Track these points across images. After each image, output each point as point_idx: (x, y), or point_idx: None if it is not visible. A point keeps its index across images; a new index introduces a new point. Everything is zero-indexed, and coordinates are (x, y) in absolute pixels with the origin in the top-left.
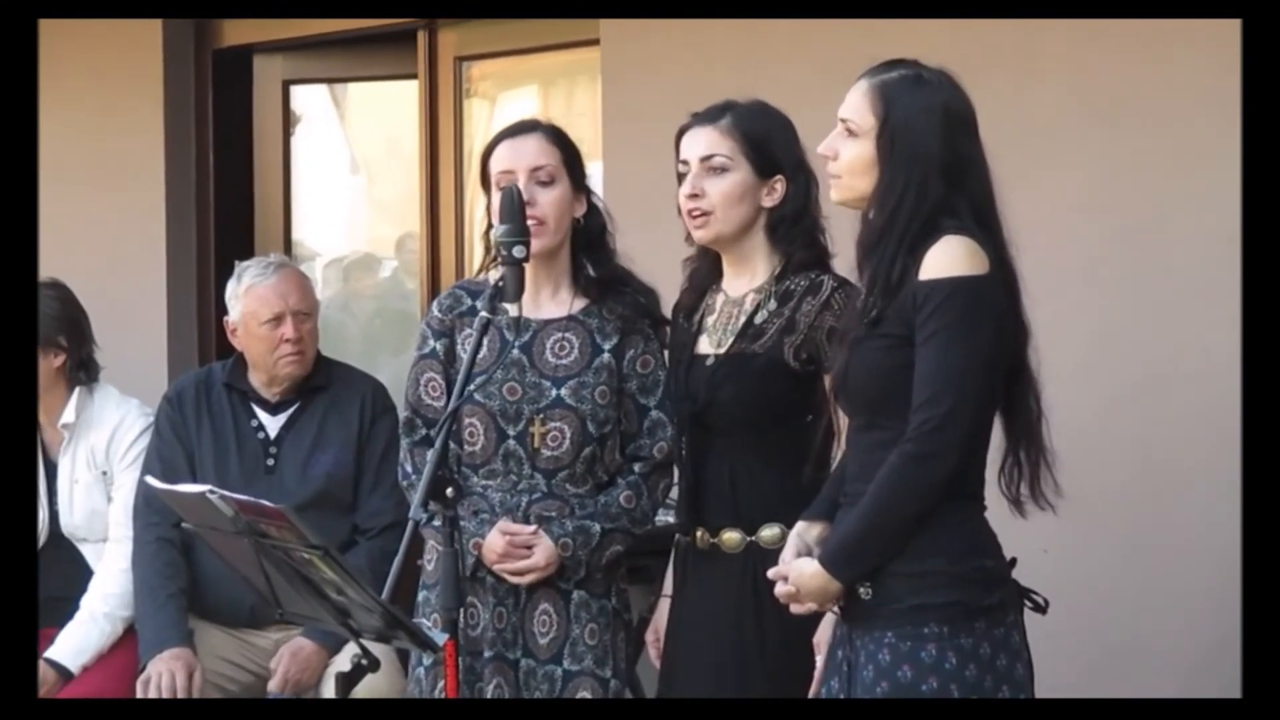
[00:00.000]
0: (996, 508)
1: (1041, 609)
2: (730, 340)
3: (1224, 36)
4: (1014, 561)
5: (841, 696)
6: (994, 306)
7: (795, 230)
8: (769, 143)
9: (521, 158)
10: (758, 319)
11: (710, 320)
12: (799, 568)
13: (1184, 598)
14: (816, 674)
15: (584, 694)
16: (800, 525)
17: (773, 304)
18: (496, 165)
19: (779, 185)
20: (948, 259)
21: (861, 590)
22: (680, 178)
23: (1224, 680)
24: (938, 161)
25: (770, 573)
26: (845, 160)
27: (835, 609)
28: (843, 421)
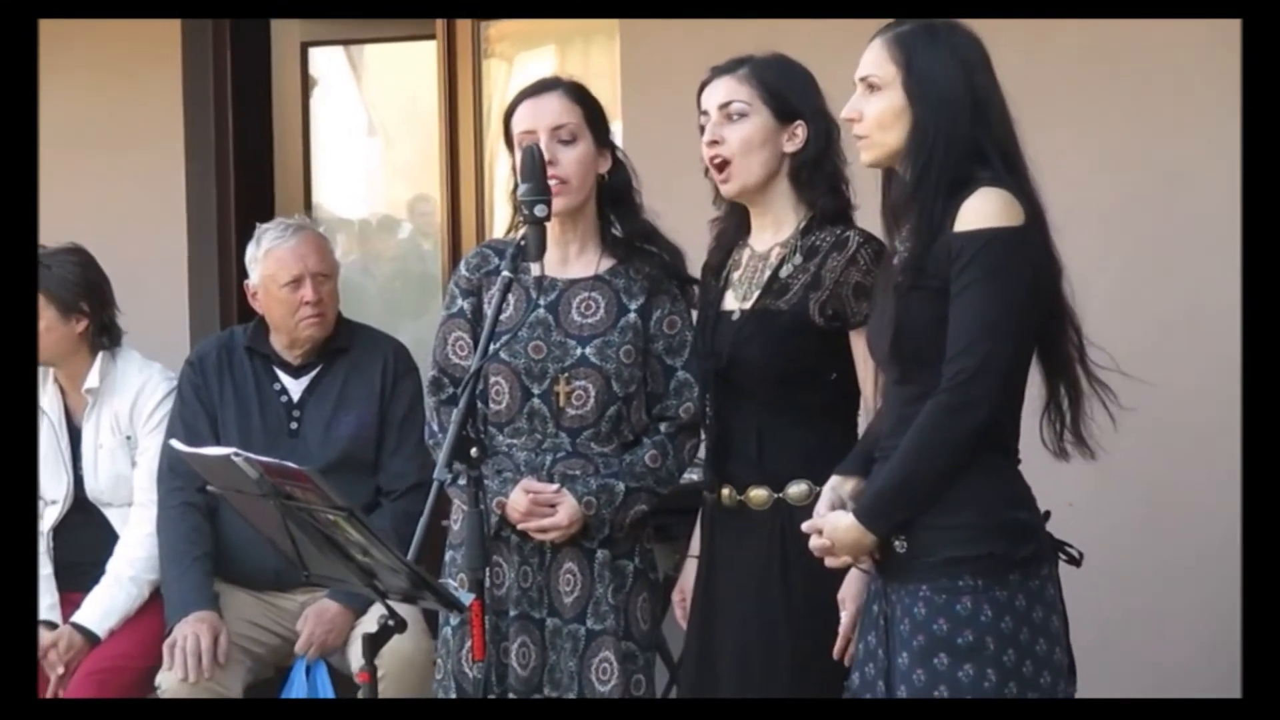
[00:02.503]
0: (1025, 459)
1: (1076, 562)
2: (755, 295)
3: None
4: (1048, 514)
5: (880, 651)
6: (1029, 258)
7: (818, 175)
8: (787, 89)
9: (542, 116)
10: (783, 273)
11: (736, 275)
12: (833, 521)
13: (1211, 554)
14: (842, 629)
15: (606, 653)
16: (835, 479)
17: (798, 258)
18: (518, 125)
19: (800, 130)
20: (983, 210)
21: (896, 543)
22: (702, 131)
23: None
24: (964, 102)
25: (805, 526)
26: (872, 115)
27: (866, 564)
28: (867, 379)
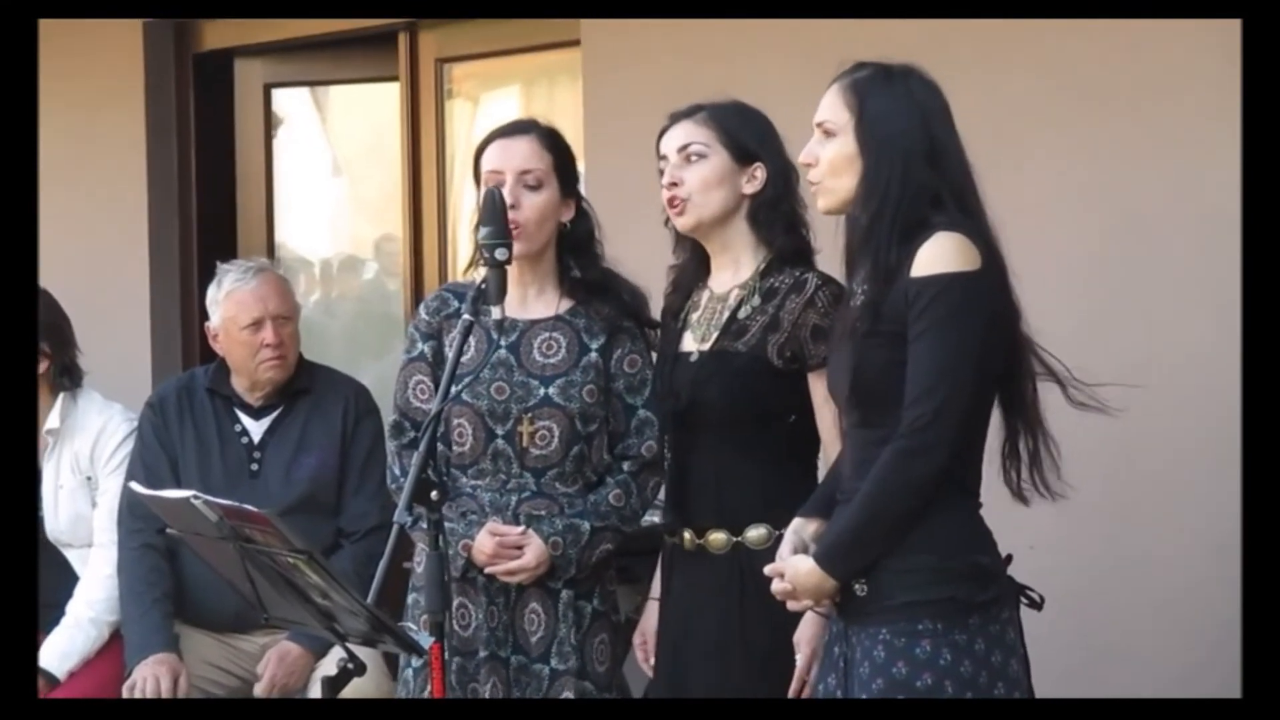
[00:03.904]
0: (986, 502)
1: (1037, 605)
2: (714, 336)
3: (1204, 21)
4: (1009, 558)
5: (839, 694)
6: (986, 302)
7: (775, 216)
8: (745, 132)
9: (511, 159)
10: (741, 314)
11: (695, 316)
12: (794, 565)
13: (1173, 595)
14: (797, 672)
15: (566, 694)
16: (797, 522)
17: (756, 300)
18: (486, 164)
19: (759, 172)
20: (939, 255)
21: (856, 587)
22: (662, 176)
23: (1215, 681)
24: (917, 147)
25: (767, 569)
26: (825, 161)
27: (825, 607)
28: (826, 421)
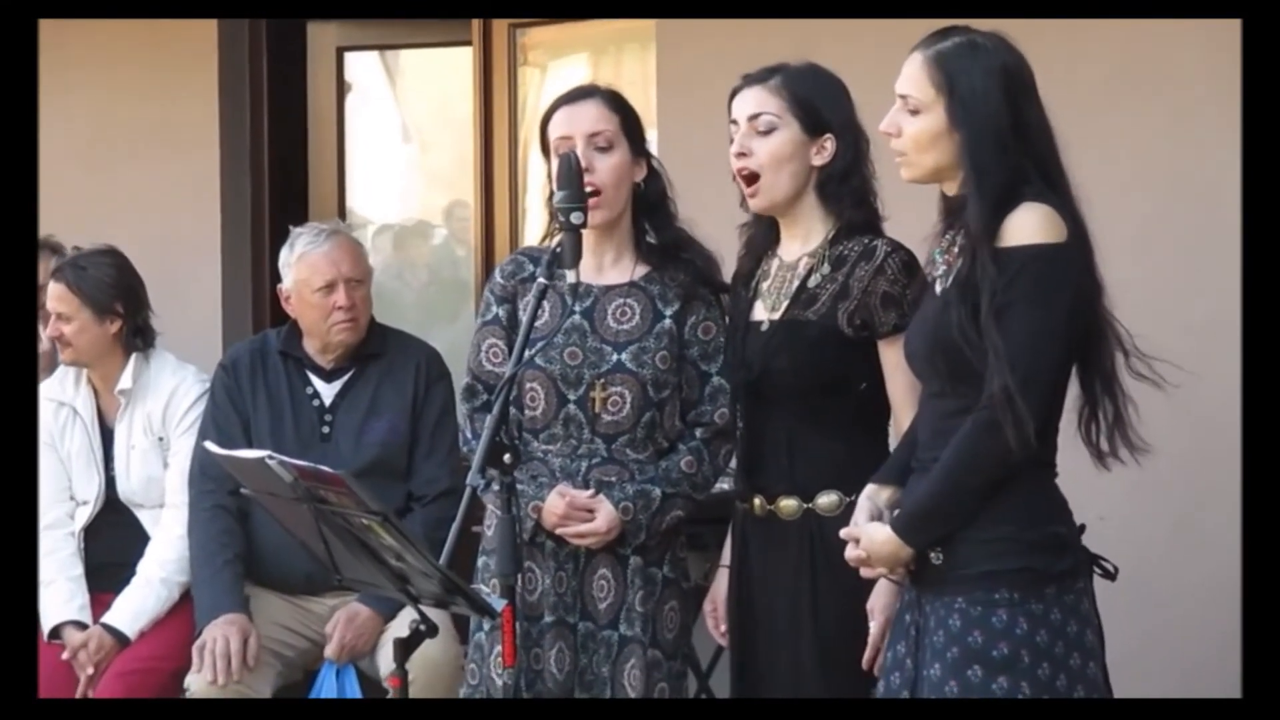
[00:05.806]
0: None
1: (1111, 575)
2: (784, 305)
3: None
4: (1084, 528)
5: (908, 661)
6: (1070, 275)
7: (844, 189)
8: (818, 101)
9: (579, 124)
10: (811, 283)
11: (765, 285)
12: (870, 533)
13: (1237, 568)
14: (871, 639)
15: (634, 660)
16: (871, 488)
17: (826, 268)
18: (555, 131)
19: (829, 144)
20: (1025, 227)
21: (933, 555)
22: (732, 139)
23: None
24: (1004, 126)
25: (843, 533)
26: (909, 135)
27: (900, 575)
28: (898, 389)
